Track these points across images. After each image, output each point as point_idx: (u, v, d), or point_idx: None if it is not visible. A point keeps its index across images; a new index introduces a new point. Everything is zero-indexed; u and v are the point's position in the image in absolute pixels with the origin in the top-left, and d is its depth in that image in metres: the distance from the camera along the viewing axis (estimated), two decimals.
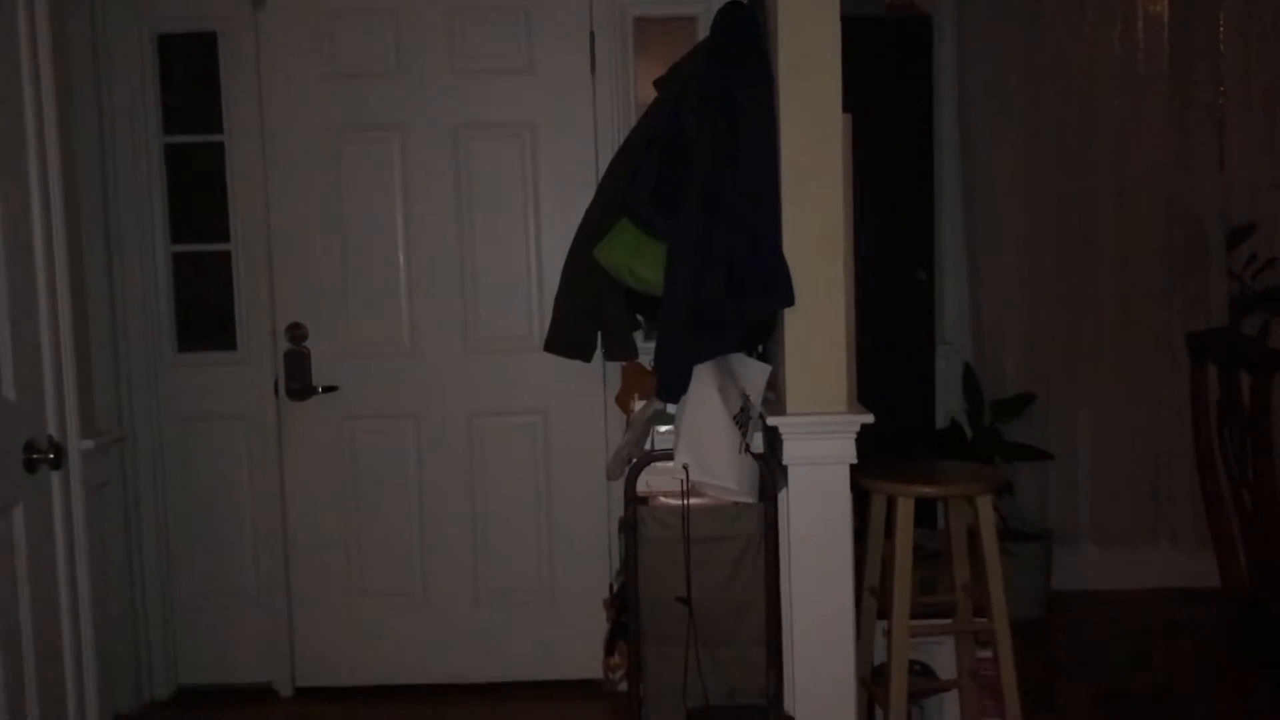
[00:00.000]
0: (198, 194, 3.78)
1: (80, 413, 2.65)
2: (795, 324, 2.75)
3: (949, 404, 4.56)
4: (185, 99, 3.77)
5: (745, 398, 2.88)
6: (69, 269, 2.61)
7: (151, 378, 3.77)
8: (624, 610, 3.06)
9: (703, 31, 3.62)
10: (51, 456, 2.48)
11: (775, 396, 2.92)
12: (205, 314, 3.84)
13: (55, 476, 2.55)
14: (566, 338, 3.42)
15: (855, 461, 2.75)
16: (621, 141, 3.39)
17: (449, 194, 3.73)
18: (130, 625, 3.73)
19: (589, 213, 3.31)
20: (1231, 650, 4.11)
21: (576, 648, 3.73)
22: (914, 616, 2.86)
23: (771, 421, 2.75)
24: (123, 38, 3.67)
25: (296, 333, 3.72)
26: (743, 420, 2.84)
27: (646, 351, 3.37)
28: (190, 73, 3.77)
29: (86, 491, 2.66)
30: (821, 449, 2.73)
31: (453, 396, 3.78)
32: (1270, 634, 4.01)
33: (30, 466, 2.46)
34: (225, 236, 3.77)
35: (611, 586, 3.65)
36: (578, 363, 3.49)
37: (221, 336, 3.79)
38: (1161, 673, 3.87)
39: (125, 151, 3.69)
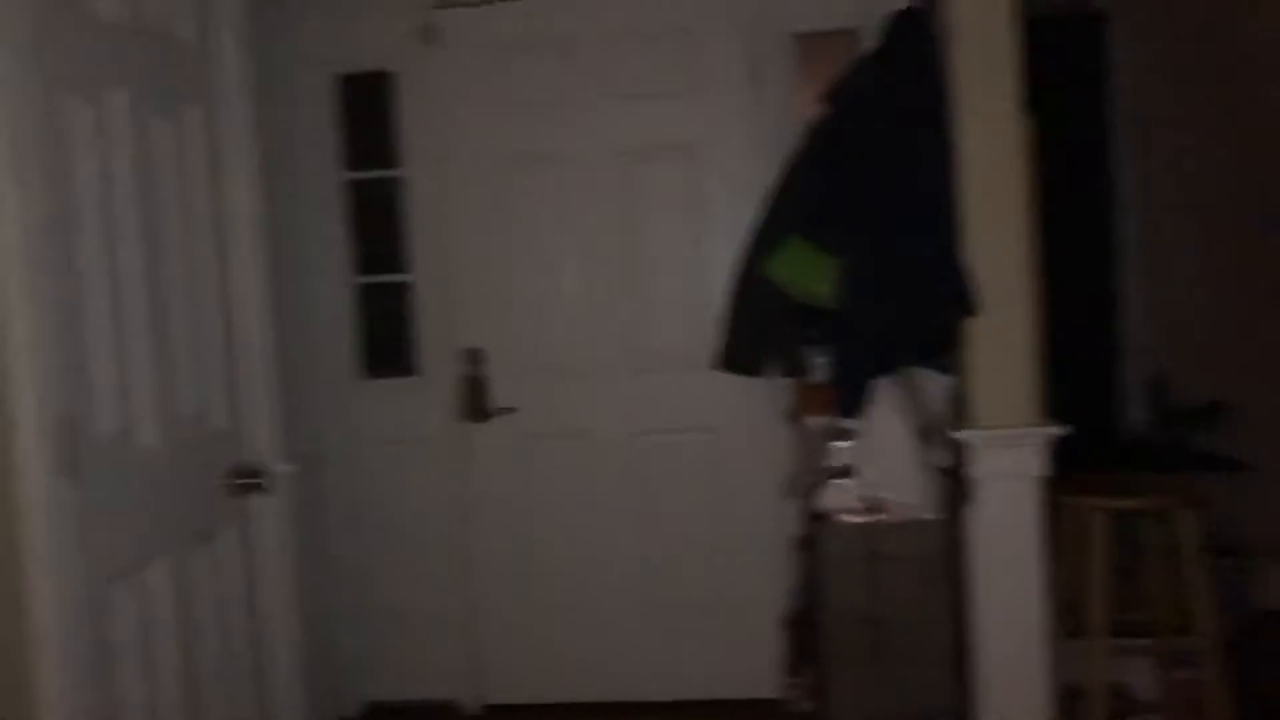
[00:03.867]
0: (379, 227, 3.93)
1: (281, 438, 2.78)
2: (980, 335, 2.68)
3: (1133, 414, 4.38)
4: (364, 136, 3.93)
5: (927, 412, 2.83)
6: (268, 304, 2.75)
7: (341, 403, 3.92)
8: (805, 629, 3.03)
9: (864, 44, 3.58)
10: (257, 480, 2.61)
11: (959, 410, 2.86)
12: (389, 341, 3.97)
13: (260, 499, 2.69)
14: (737, 355, 3.42)
15: (1045, 475, 2.67)
16: (786, 157, 3.38)
17: (616, 216, 3.78)
18: (322, 643, 3.88)
19: (756, 230, 3.30)
20: None
21: (752, 667, 3.70)
22: (1111, 636, 2.75)
23: (957, 435, 2.69)
24: (304, 79, 3.85)
25: (475, 357, 3.82)
26: (925, 435, 2.79)
27: (818, 367, 3.34)
28: (368, 110, 3.93)
29: (287, 513, 2.80)
30: (1010, 463, 2.66)
31: (623, 415, 3.82)
32: None
33: (238, 490, 2.59)
34: (406, 267, 3.91)
35: (789, 605, 3.62)
36: (748, 380, 3.48)
37: (405, 363, 3.93)
38: None
39: (310, 188, 3.86)
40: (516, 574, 3.88)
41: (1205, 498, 3.68)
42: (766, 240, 3.16)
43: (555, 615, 3.88)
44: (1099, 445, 4.06)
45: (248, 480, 2.58)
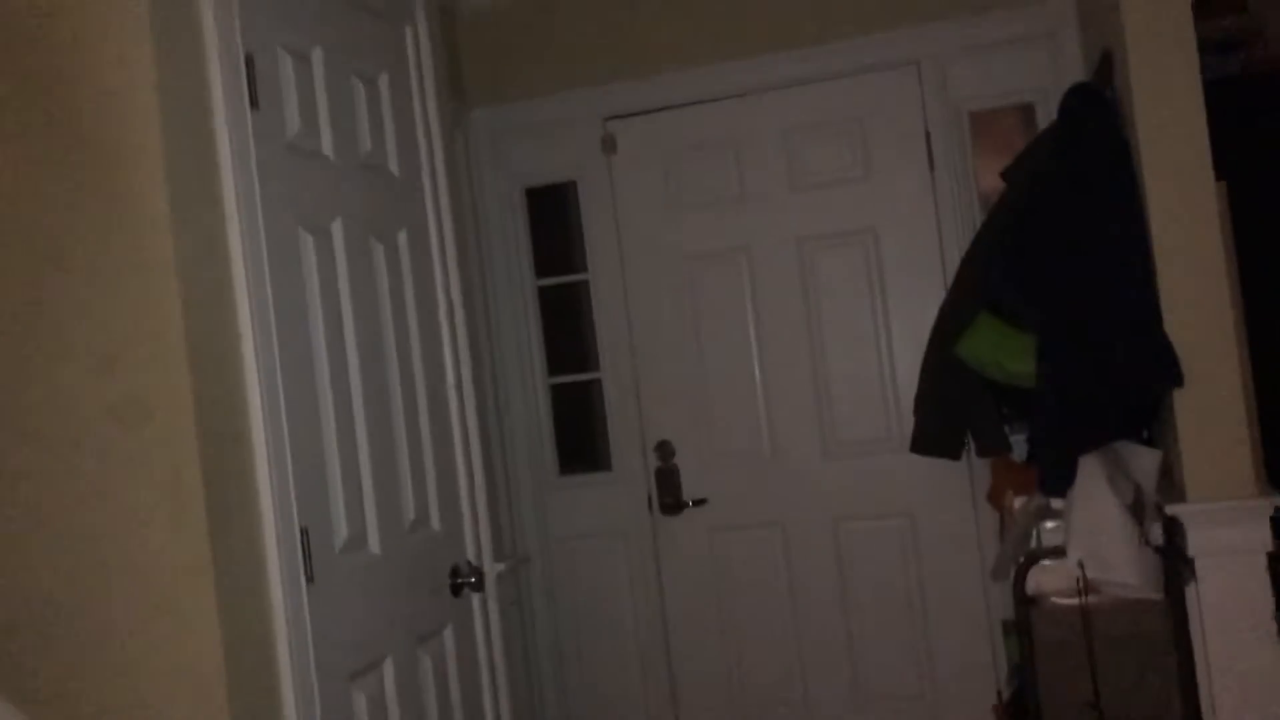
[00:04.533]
0: (568, 328, 4.09)
1: (491, 538, 2.90)
2: (1186, 404, 2.60)
3: None
4: (553, 243, 4.12)
5: (1137, 486, 2.74)
6: (474, 409, 2.90)
7: (539, 500, 4.06)
8: (1020, 718, 2.94)
9: (1042, 119, 3.57)
10: (473, 580, 2.73)
11: (1171, 483, 2.76)
12: (581, 438, 4.11)
13: (476, 598, 2.80)
14: (932, 437, 3.39)
15: (1271, 548, 2.54)
16: (967, 237, 3.38)
17: (797, 304, 3.83)
18: None
19: (943, 310, 3.30)
20: None
21: None
22: None
23: (1171, 510, 2.59)
24: (497, 194, 4.07)
25: (665, 450, 3.91)
26: (1137, 510, 2.70)
27: (1016, 445, 3.28)
28: (555, 220, 4.12)
29: (500, 610, 2.90)
30: (1231, 537, 2.54)
31: (816, 502, 3.82)
32: None
33: (456, 590, 2.72)
34: (595, 365, 4.04)
35: (1000, 693, 3.51)
36: (942, 462, 3.44)
37: (597, 458, 4.04)
38: None
39: (505, 295, 4.06)
40: (714, 666, 3.90)
41: None
42: (957, 319, 3.15)
43: (758, 708, 3.86)
44: None
45: (465, 580, 2.70)
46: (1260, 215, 3.55)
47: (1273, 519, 2.53)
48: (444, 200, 2.88)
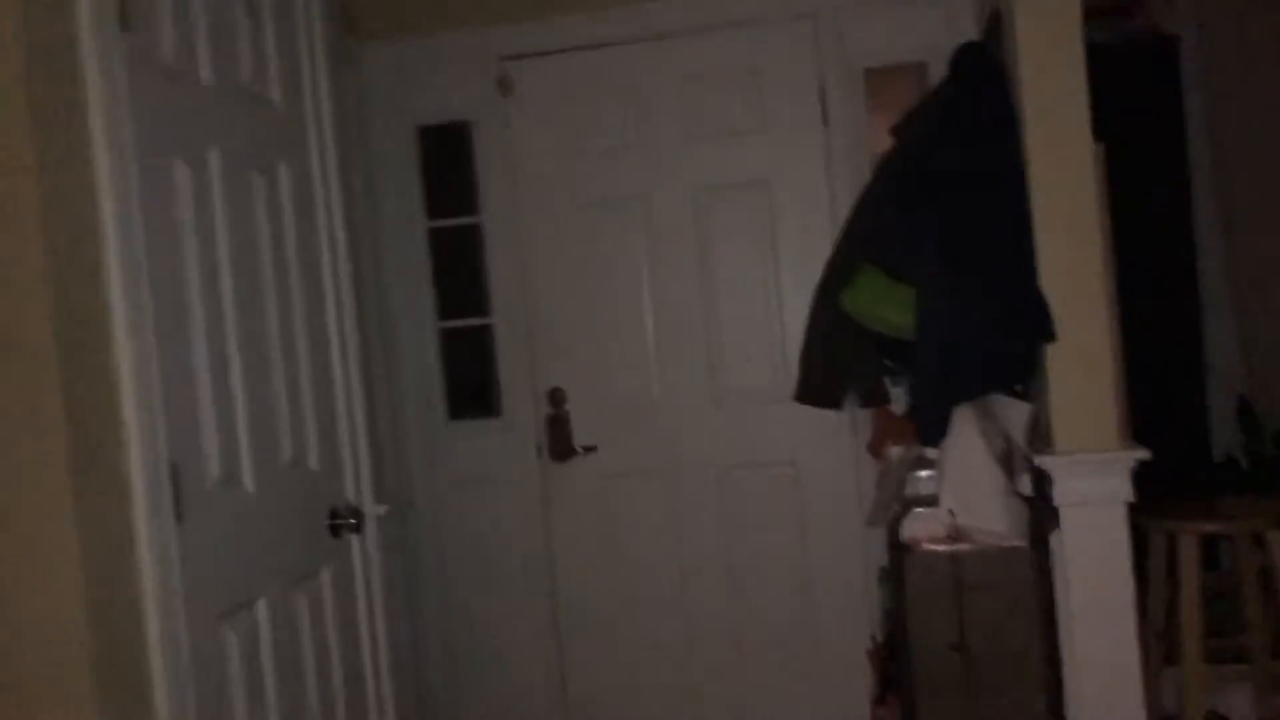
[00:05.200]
0: (461, 272, 4.04)
1: (373, 480, 2.87)
2: (1058, 360, 2.68)
3: (1222, 436, 4.29)
4: (446, 184, 4.05)
5: (1008, 437, 2.82)
6: (358, 350, 2.86)
7: (427, 445, 4.02)
8: (892, 660, 3.03)
9: (933, 77, 3.61)
10: (352, 521, 2.70)
11: (1040, 435, 2.85)
12: (472, 384, 4.07)
13: (355, 540, 2.78)
14: (815, 387, 3.43)
15: (1131, 500, 2.65)
16: (858, 191, 3.41)
17: (691, 254, 3.84)
18: (414, 678, 3.96)
19: (830, 262, 3.33)
20: None
21: (840, 698, 3.71)
22: (1206, 662, 2.70)
23: (1039, 461, 2.68)
24: (387, 133, 3.98)
25: (556, 397, 3.90)
26: (1007, 461, 2.78)
27: (897, 397, 3.35)
28: (449, 160, 4.04)
29: (380, 553, 2.88)
30: (1095, 488, 2.64)
31: (704, 451, 3.86)
32: None
33: (334, 531, 2.68)
34: (487, 310, 4.00)
35: (874, 637, 3.61)
36: (827, 412, 3.50)
37: (487, 404, 4.02)
38: None
39: (395, 235, 3.99)
40: (600, 612, 3.93)
41: None
42: (841, 272, 3.19)
43: (641, 651, 3.92)
44: (1187, 469, 3.99)
45: (343, 522, 2.67)
46: (1135, 178, 3.66)
47: (1133, 471, 2.63)
48: (329, 133, 2.81)
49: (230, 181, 2.37)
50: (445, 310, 4.05)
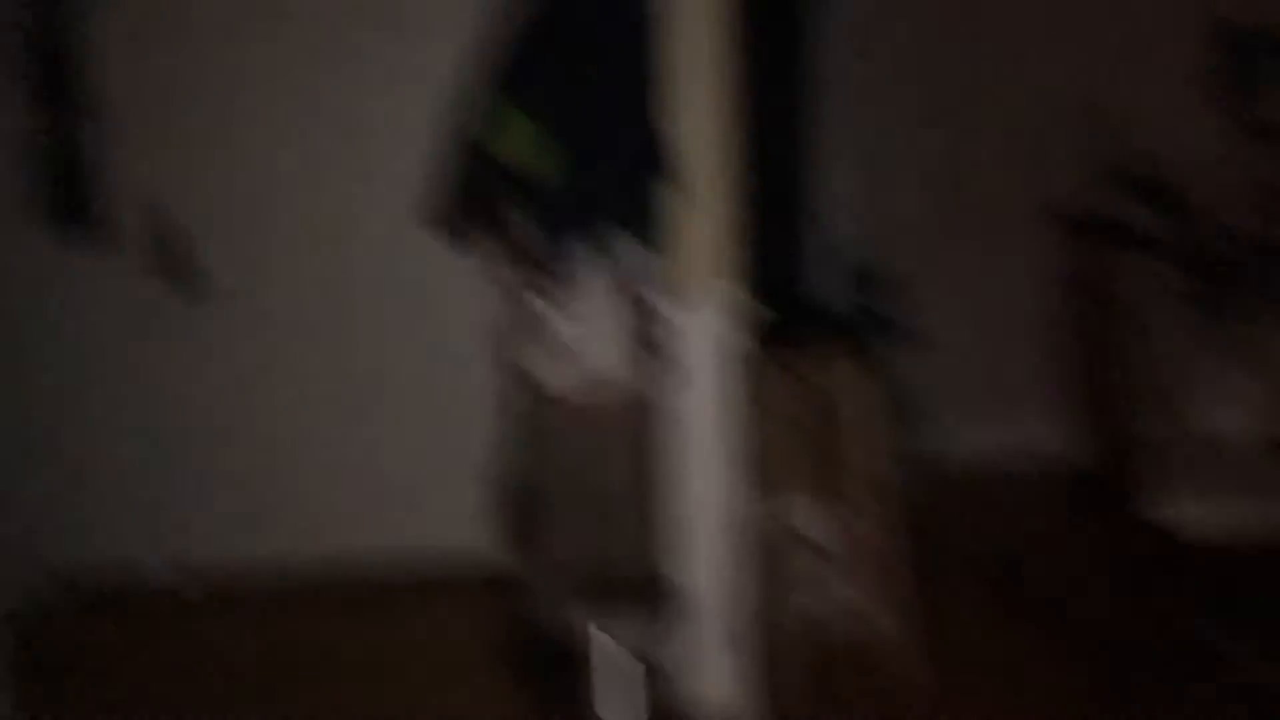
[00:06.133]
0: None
1: None
2: (682, 206, 2.72)
3: (829, 283, 4.61)
4: None
5: (632, 281, 2.86)
6: None
7: (8, 256, 3.58)
8: (515, 495, 3.06)
9: None
10: None
11: (660, 275, 2.91)
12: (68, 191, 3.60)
13: None
14: (446, 218, 3.34)
15: (742, 340, 2.77)
16: (493, 23, 3.28)
17: (325, 80, 3.64)
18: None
19: (465, 95, 3.20)
20: (1091, 515, 4.34)
21: (458, 528, 3.72)
22: (803, 492, 2.92)
23: (658, 304, 2.74)
24: None
25: (161, 215, 3.58)
26: (630, 304, 2.82)
27: (527, 233, 3.31)
28: None
29: None
30: (705, 327, 2.74)
31: (329, 278, 3.74)
32: (1119, 503, 4.24)
33: None
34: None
35: (498, 471, 3.63)
36: (459, 245, 3.42)
37: (86, 215, 3.58)
38: (1017, 542, 4.07)
39: None
40: (215, 431, 3.75)
41: (888, 362, 3.97)
42: (475, 105, 3.07)
43: (255, 476, 3.78)
44: (792, 313, 4.27)
45: None
46: (764, 25, 3.75)
47: (746, 317, 2.75)
48: None
49: None
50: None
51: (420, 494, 3.80)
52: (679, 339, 2.74)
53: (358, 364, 3.78)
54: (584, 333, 2.83)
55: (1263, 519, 3.85)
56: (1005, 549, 3.97)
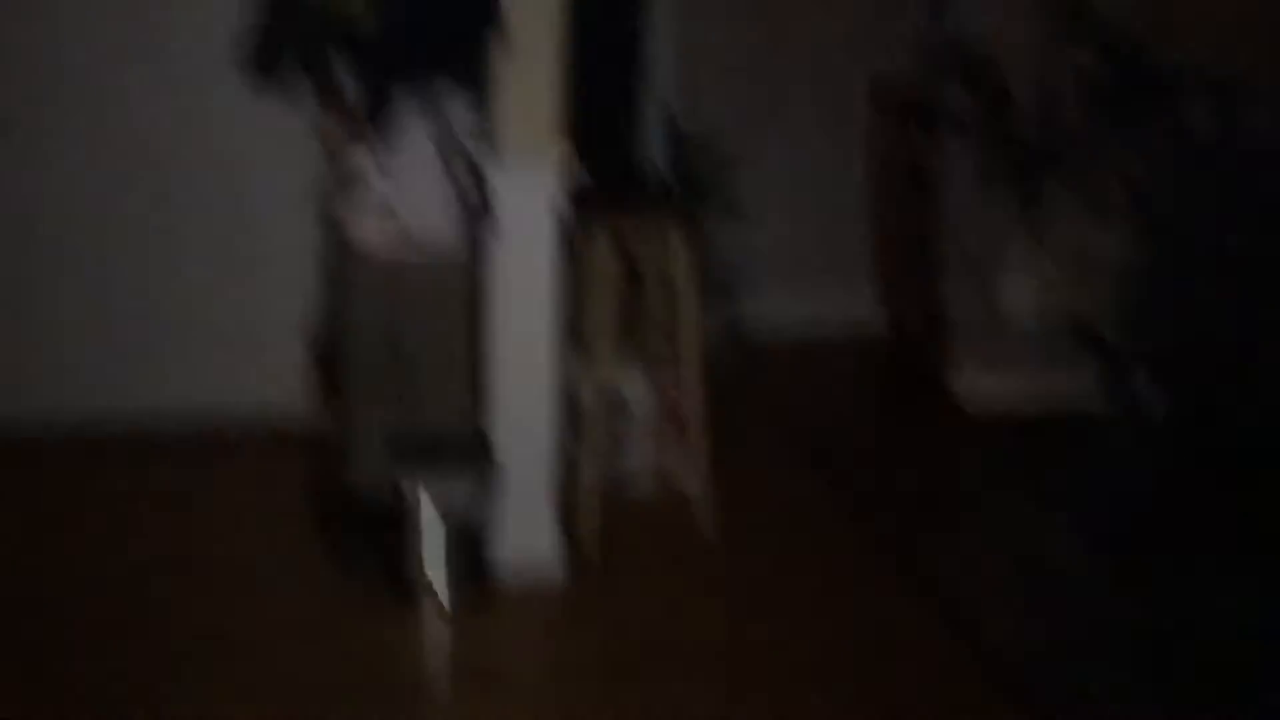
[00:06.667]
0: None
1: None
2: (509, 66, 2.70)
3: (653, 153, 4.63)
4: None
5: (457, 140, 2.83)
6: None
7: None
8: (328, 353, 3.04)
9: None
10: None
11: (487, 136, 2.89)
12: None
13: None
14: (263, 63, 3.20)
15: (565, 204, 2.79)
16: None
17: None
18: None
19: None
20: (894, 386, 4.59)
21: (273, 387, 3.69)
22: (611, 353, 2.99)
23: (483, 165, 2.73)
24: None
25: None
26: (451, 161, 2.80)
27: (350, 84, 3.21)
28: None
29: None
30: (530, 191, 2.75)
31: (140, 124, 3.57)
32: (920, 374, 4.48)
33: None
34: None
35: (314, 330, 3.59)
36: (276, 97, 3.30)
37: None
38: (833, 408, 4.29)
39: None
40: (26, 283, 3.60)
41: (700, 226, 4.05)
42: None
43: (57, 329, 3.64)
44: (618, 180, 4.28)
45: None
46: None
47: (570, 181, 2.77)
48: None
49: None
50: None
51: (239, 352, 3.73)
52: (502, 198, 2.74)
53: (163, 214, 3.65)
54: (403, 188, 2.80)
55: (1046, 390, 4.12)
56: (808, 414, 4.18)
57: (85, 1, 3.45)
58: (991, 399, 4.15)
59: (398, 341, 2.87)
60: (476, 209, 2.85)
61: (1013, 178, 4.64)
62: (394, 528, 2.78)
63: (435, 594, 2.75)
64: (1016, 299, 4.45)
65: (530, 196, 2.76)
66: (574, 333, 3.20)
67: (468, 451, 2.86)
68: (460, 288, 2.89)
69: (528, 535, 2.88)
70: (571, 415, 3.17)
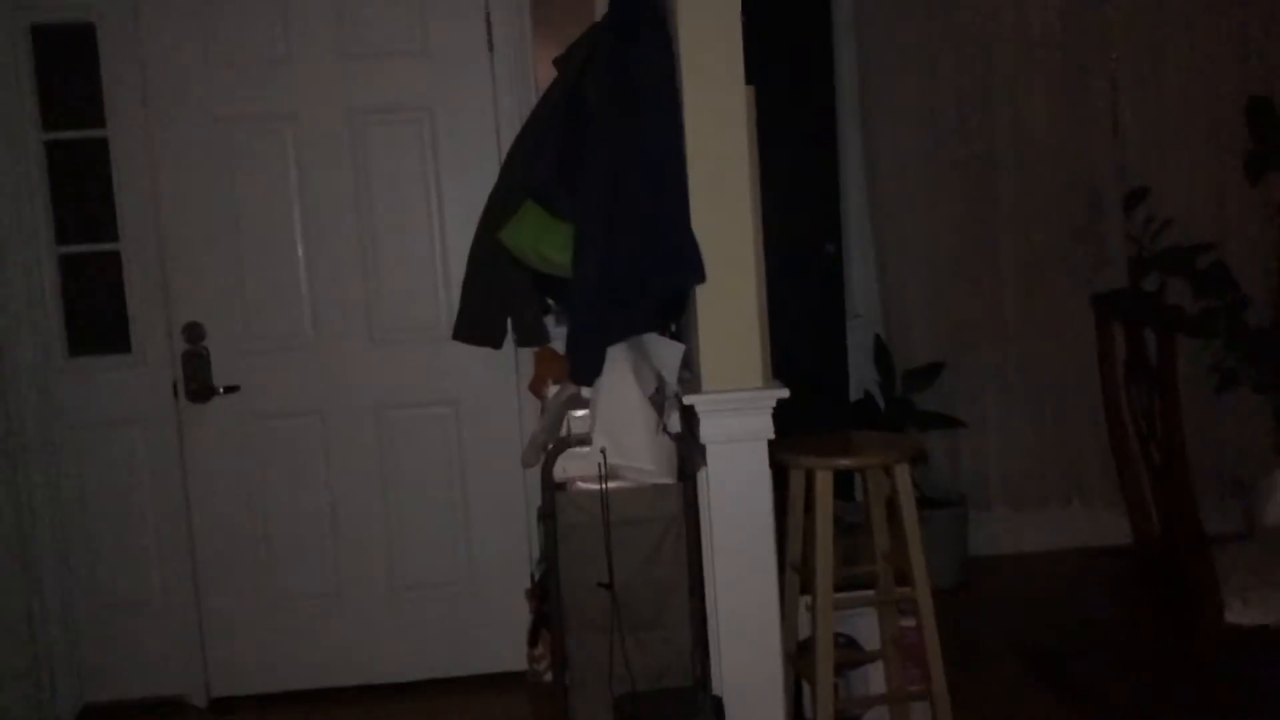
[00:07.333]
0: (84, 192, 3.62)
1: None
2: (708, 301, 2.71)
3: (861, 376, 4.57)
4: (66, 92, 3.60)
5: (660, 377, 2.84)
6: None
7: (41, 384, 3.60)
8: (546, 599, 3.00)
9: (601, 7, 3.56)
10: None
11: (690, 375, 2.89)
12: (97, 316, 3.67)
13: None
14: (475, 325, 3.35)
15: (772, 437, 2.73)
16: (523, 123, 3.32)
17: (347, 182, 3.62)
18: (29, 641, 3.56)
19: (493, 196, 3.24)
20: (1142, 603, 4.19)
21: (499, 641, 3.68)
22: (837, 589, 2.85)
23: (687, 400, 2.71)
24: None
25: (194, 332, 3.58)
26: (658, 400, 2.80)
27: (558, 336, 3.31)
28: (72, 64, 3.59)
29: None
30: (739, 426, 2.70)
31: (360, 389, 3.68)
32: (1176, 585, 4.08)
33: None
34: (114, 235, 3.61)
35: (533, 576, 3.59)
36: (488, 352, 3.43)
37: (115, 339, 3.63)
38: (1078, 628, 3.94)
39: (1, 150, 3.52)
40: (246, 561, 3.69)
41: (921, 453, 3.91)
42: (502, 206, 3.10)
43: (291, 602, 3.71)
44: (831, 408, 4.22)
45: None
46: (784, 120, 3.77)
47: (775, 410, 2.71)
48: None
49: None
50: (65, 234, 3.63)
51: (453, 602, 3.76)
52: (708, 434, 2.71)
53: (385, 477, 3.73)
54: (611, 429, 2.80)
55: None
56: (1051, 636, 3.85)
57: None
58: (1261, 613, 3.72)
59: (611, 579, 2.81)
60: (685, 445, 2.82)
61: (1265, 382, 4.36)
62: None
63: None
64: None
65: (736, 429, 2.72)
66: (795, 569, 3.08)
67: (689, 703, 2.73)
68: (673, 523, 2.83)
69: None
70: (799, 657, 3.01)
